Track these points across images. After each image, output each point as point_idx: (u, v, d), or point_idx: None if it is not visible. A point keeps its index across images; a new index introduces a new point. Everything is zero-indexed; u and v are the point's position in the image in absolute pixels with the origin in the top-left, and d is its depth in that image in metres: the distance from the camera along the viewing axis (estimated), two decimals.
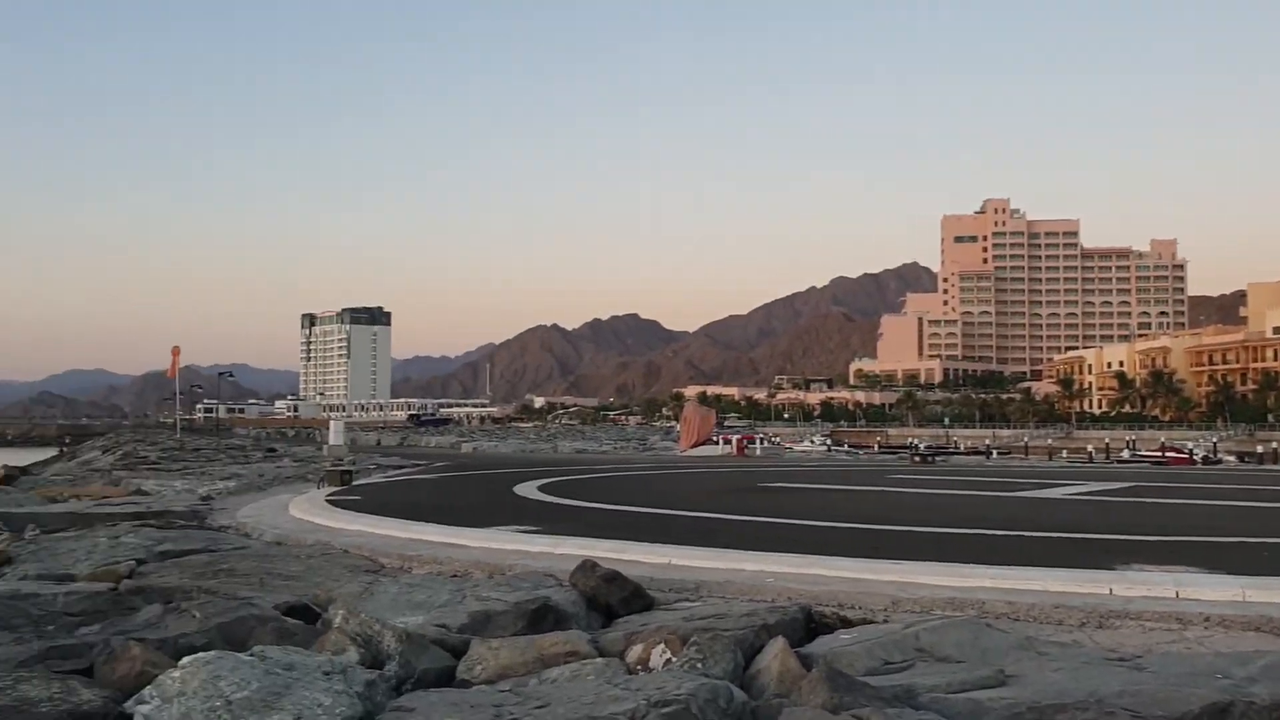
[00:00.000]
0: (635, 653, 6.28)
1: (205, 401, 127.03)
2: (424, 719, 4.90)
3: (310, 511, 14.47)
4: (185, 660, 5.35)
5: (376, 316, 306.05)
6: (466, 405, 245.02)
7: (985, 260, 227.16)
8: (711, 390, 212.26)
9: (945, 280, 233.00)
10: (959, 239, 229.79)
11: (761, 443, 51.50)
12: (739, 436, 50.60)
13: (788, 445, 60.57)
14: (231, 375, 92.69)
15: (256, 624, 6.66)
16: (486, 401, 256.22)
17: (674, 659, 6.06)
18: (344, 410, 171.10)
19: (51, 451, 69.35)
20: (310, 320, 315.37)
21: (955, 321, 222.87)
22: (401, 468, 30.11)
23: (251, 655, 5.58)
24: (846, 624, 7.28)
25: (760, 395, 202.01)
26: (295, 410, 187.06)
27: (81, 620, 7.22)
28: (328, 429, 57.79)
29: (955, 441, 64.41)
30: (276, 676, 5.27)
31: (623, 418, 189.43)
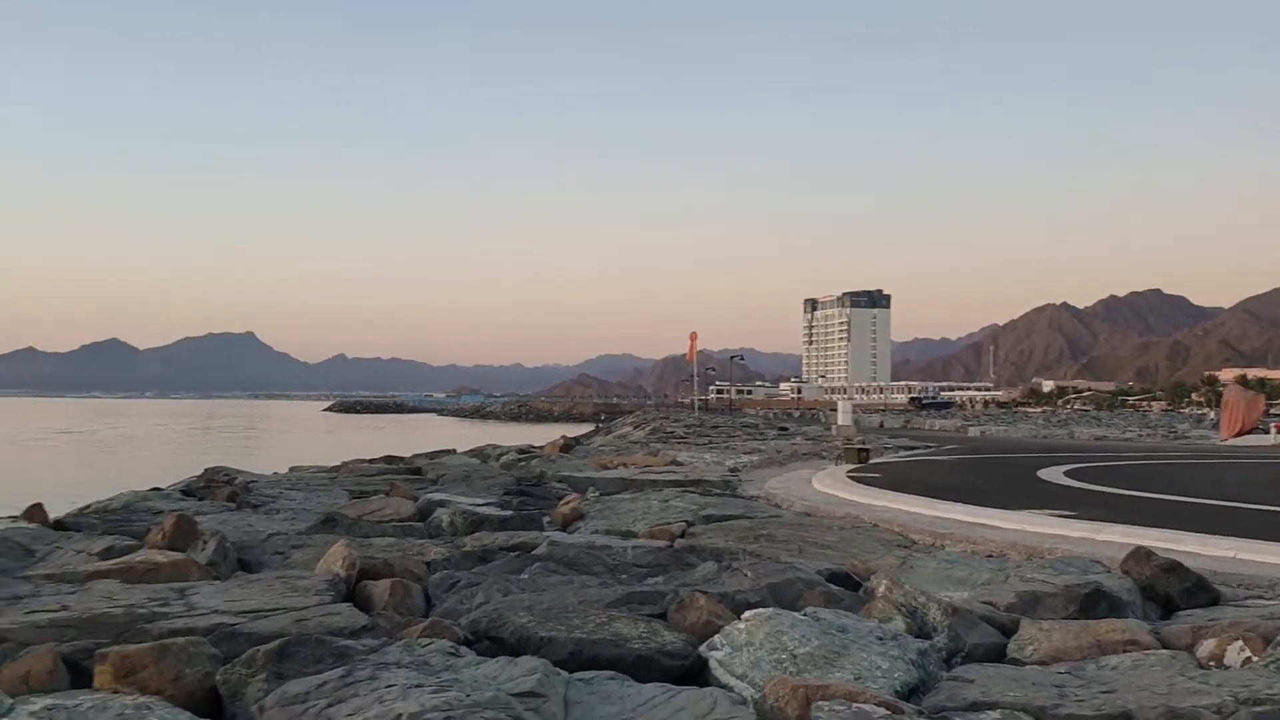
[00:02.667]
0: (1206, 648, 5.78)
1: (717, 383, 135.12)
2: (982, 691, 4.86)
3: (833, 486, 14.95)
4: (747, 614, 5.76)
5: (876, 299, 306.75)
6: (969, 388, 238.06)
7: None
8: (1253, 373, 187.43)
9: None
10: None
11: None
12: None
13: None
14: (742, 358, 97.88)
15: (804, 587, 7.00)
16: (990, 384, 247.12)
17: (1255, 658, 5.50)
18: (845, 392, 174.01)
19: (589, 427, 77.56)
20: (812, 305, 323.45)
21: None
22: (913, 449, 29.99)
23: (805, 615, 5.88)
24: None
25: None
26: (799, 392, 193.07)
27: (648, 571, 8.04)
28: (832, 410, 58.98)
29: None
30: (833, 637, 5.51)
31: (1144, 403, 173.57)
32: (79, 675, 5.15)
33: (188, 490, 14.24)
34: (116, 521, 10.82)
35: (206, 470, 17.17)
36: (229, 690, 4.78)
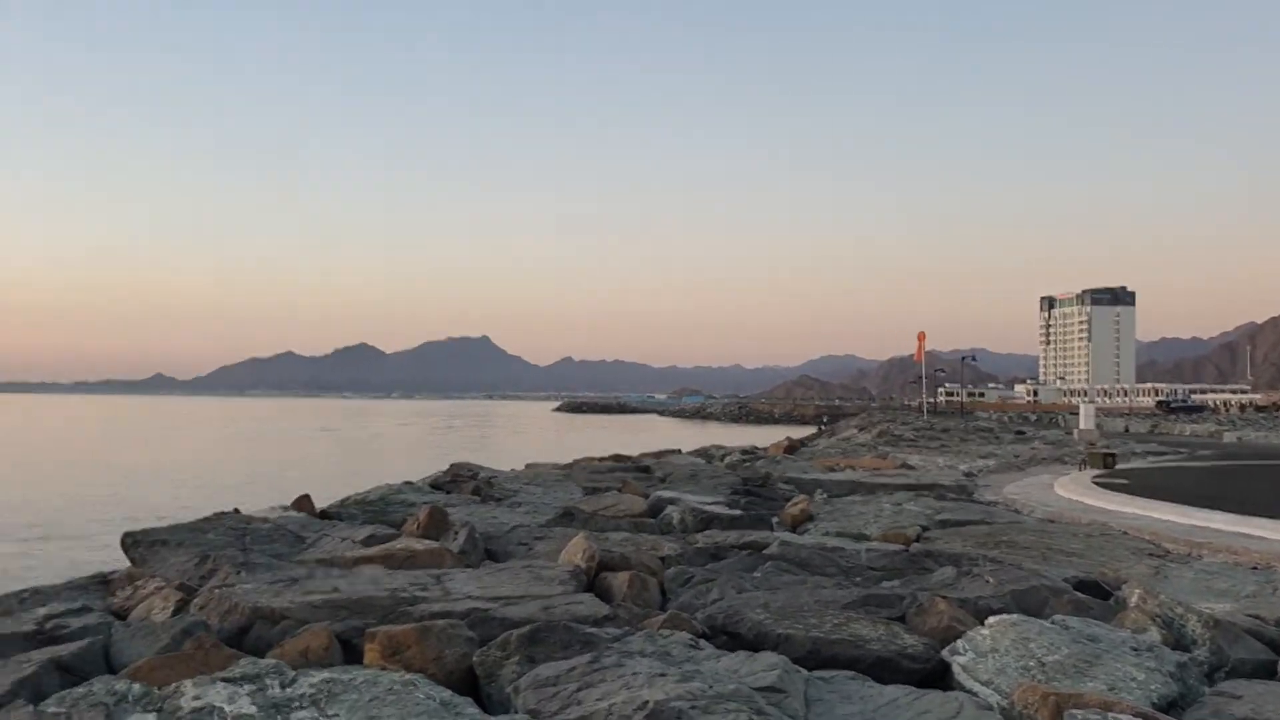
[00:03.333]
0: None
1: (946, 385, 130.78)
2: (1253, 709, 4.58)
3: (1078, 492, 14.28)
4: (992, 620, 5.63)
5: (1119, 297, 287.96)
6: (1223, 391, 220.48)
7: None
8: None
9: None
10: None
11: None
12: None
13: None
14: (973, 359, 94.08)
15: (1050, 594, 6.76)
16: (1247, 387, 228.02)
17: None
18: (1086, 395, 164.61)
19: (810, 429, 76.68)
20: (1049, 303, 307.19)
21: None
22: (1162, 454, 28.18)
23: (1053, 623, 5.69)
24: None
25: None
26: (1035, 395, 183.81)
27: (883, 574, 7.94)
28: (1072, 413, 55.48)
29: None
30: (1083, 646, 5.31)
31: None
32: (350, 652, 5.61)
33: (436, 484, 15.06)
34: (374, 512, 11.61)
35: (452, 466, 18.10)
36: (485, 671, 5.08)
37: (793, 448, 27.03)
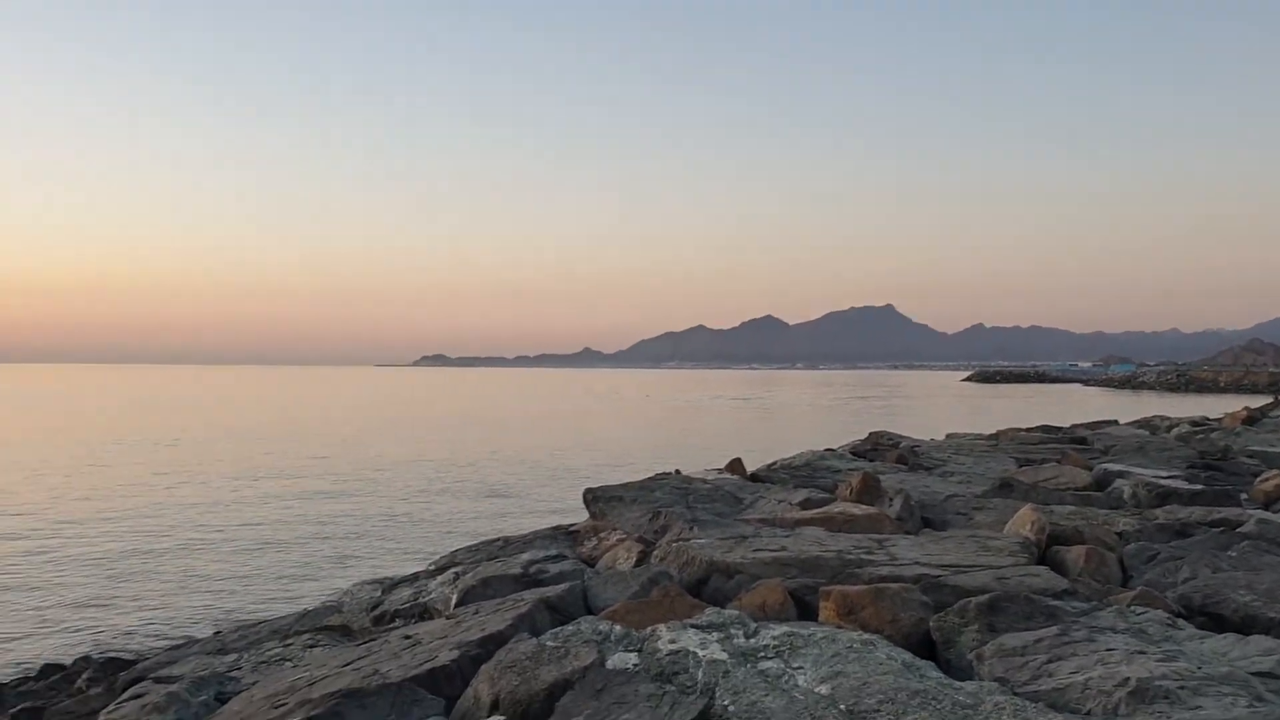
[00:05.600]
0: None
1: None
2: None
3: None
4: None
5: None
6: None
7: None
8: None
9: None
10: None
11: None
12: None
13: None
14: None
15: None
16: None
17: None
18: None
19: (1265, 398, 68.24)
20: None
21: None
22: None
23: None
24: None
25: None
26: None
27: None
28: None
29: None
30: None
31: None
32: (800, 608, 5.79)
33: (856, 451, 15.10)
34: (803, 477, 11.86)
35: (871, 434, 18.06)
36: (942, 636, 5.04)
37: (1252, 418, 24.12)
